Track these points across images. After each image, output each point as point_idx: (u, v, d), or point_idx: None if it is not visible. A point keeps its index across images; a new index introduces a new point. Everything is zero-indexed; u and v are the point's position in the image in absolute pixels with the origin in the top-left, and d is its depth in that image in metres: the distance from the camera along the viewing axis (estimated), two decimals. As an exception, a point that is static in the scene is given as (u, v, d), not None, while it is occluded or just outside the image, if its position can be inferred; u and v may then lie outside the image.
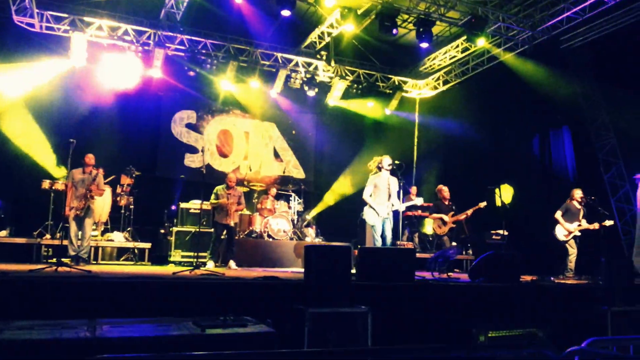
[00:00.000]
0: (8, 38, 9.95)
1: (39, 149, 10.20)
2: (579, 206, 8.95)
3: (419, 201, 8.62)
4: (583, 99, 10.80)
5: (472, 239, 10.72)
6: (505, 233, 10.10)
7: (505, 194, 11.76)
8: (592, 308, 6.10)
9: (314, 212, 12.76)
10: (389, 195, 7.96)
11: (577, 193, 9.02)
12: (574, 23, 9.74)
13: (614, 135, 10.57)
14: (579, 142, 10.87)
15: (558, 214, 9.00)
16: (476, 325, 5.32)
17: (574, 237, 8.84)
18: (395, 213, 8.16)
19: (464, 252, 11.15)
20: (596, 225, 8.66)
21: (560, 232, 8.91)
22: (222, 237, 9.07)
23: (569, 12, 9.59)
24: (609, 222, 8.70)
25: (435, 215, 9.23)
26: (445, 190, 9.35)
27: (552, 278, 8.08)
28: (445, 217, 9.10)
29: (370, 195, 7.99)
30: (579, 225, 8.80)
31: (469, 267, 10.72)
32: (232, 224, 8.96)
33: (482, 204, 8.95)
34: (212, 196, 8.94)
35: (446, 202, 9.26)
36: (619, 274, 6.49)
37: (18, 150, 10.06)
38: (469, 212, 9.04)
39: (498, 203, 8.97)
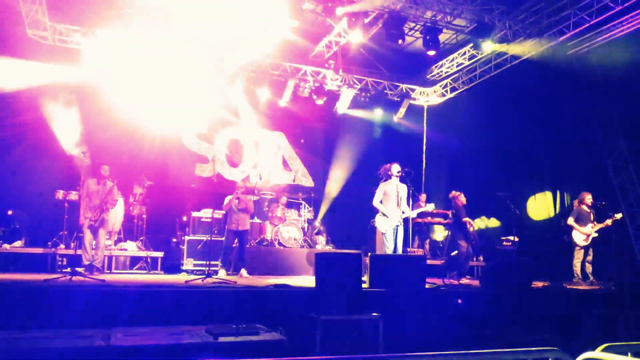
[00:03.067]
0: (22, 50, 10.12)
1: (52, 159, 10.33)
2: (588, 209, 8.99)
3: (430, 207, 8.64)
4: (591, 103, 10.76)
5: (483, 245, 10.73)
6: (516, 239, 10.07)
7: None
8: (604, 313, 6.07)
9: (324, 219, 12.79)
10: (398, 203, 7.97)
11: (588, 197, 9.03)
12: (581, 28, 9.72)
13: (623, 140, 10.51)
14: (587, 146, 10.80)
15: (571, 220, 8.99)
16: (488, 332, 5.32)
17: (593, 240, 8.86)
18: (406, 220, 8.18)
19: (474, 259, 11.12)
20: (609, 222, 8.71)
21: (579, 238, 8.91)
22: (234, 245, 9.13)
23: (576, 18, 9.59)
24: (618, 215, 8.83)
25: (467, 219, 9.23)
26: (462, 197, 9.37)
27: (563, 284, 8.05)
28: (472, 222, 9.24)
29: (380, 202, 8.01)
30: (593, 226, 8.84)
31: (480, 273, 10.71)
32: (241, 229, 8.99)
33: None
34: (225, 201, 9.06)
35: (462, 208, 9.31)
36: (631, 278, 6.47)
37: (32, 160, 10.19)
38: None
39: (512, 211, 8.99)
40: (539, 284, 7.55)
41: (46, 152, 10.36)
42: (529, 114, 11.59)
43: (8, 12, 9.63)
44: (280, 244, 10.25)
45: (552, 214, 11.15)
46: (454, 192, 9.44)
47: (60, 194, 9.31)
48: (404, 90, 13.43)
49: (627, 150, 10.49)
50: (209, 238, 9.27)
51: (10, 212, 9.68)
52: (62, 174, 10.22)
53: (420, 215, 10.35)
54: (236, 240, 9.07)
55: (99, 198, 8.10)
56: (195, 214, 10.25)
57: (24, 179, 10.01)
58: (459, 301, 5.81)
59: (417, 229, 11.40)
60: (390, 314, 5.00)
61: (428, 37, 9.91)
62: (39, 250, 8.97)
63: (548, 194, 11.38)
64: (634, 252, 10.00)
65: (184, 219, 10.83)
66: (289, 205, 11.40)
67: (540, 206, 11.45)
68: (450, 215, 9.45)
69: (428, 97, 13.84)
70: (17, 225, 9.49)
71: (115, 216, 9.57)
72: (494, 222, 11.63)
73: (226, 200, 9.05)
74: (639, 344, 2.60)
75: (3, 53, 9.82)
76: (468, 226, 9.09)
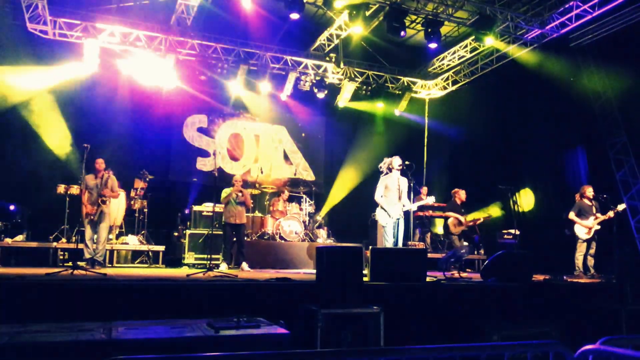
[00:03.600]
0: (22, 45, 10.09)
1: (54, 154, 10.34)
2: (589, 202, 8.98)
3: (431, 200, 8.64)
4: (593, 97, 10.73)
5: (484, 238, 10.75)
6: (517, 232, 10.08)
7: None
8: (605, 307, 6.07)
9: (325, 213, 12.81)
10: (399, 196, 7.96)
11: (589, 190, 9.02)
12: (583, 21, 9.69)
13: (625, 133, 10.49)
14: (590, 141, 10.79)
15: (572, 215, 8.98)
16: (489, 325, 5.32)
17: (595, 233, 8.86)
18: (406, 213, 8.17)
19: (475, 252, 11.14)
20: (611, 214, 8.70)
21: (581, 231, 8.91)
22: (233, 238, 9.13)
23: (578, 10, 9.55)
24: (620, 207, 8.80)
25: (451, 213, 9.37)
26: (461, 193, 9.55)
27: (564, 277, 8.05)
28: (462, 218, 9.28)
29: (382, 196, 8.01)
30: (595, 219, 8.83)
31: (481, 266, 10.72)
32: (239, 223, 8.98)
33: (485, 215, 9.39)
34: (223, 195, 9.05)
35: (460, 205, 9.52)
36: (633, 272, 6.47)
37: (33, 155, 10.20)
38: (481, 218, 9.45)
39: (513, 204, 9.08)
40: (540, 277, 7.55)
41: (47, 147, 10.35)
42: (530, 106, 11.57)
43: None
44: (281, 237, 10.26)
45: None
46: (456, 188, 9.60)
47: (61, 189, 9.32)
48: (406, 84, 13.39)
49: (629, 143, 10.48)
50: (210, 232, 9.28)
51: (12, 207, 9.70)
52: (64, 168, 10.23)
53: (421, 208, 10.37)
54: (234, 233, 9.06)
55: (97, 192, 8.11)
56: (196, 207, 10.27)
57: (26, 173, 10.02)
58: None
59: (418, 222, 11.42)
60: (391, 307, 5.00)
61: (429, 30, 9.87)
62: (40, 244, 8.99)
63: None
64: (636, 245, 10.01)
65: (186, 212, 10.85)
66: (290, 199, 11.40)
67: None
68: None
69: (430, 90, 13.81)
70: (18, 220, 9.50)
71: (117, 210, 9.58)
72: (495, 211, 11.64)
73: (224, 193, 9.04)
74: (639, 338, 2.60)
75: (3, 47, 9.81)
76: (459, 220, 9.28)
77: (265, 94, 12.44)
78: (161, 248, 9.82)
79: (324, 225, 11.80)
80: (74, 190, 9.24)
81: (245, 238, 9.38)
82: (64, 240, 9.09)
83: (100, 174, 8.22)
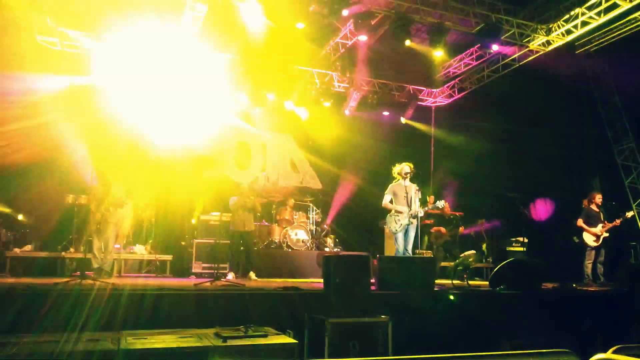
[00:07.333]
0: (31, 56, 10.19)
1: (62, 164, 10.38)
2: (597, 209, 8.92)
3: (441, 204, 8.58)
4: (600, 103, 10.69)
5: (492, 246, 10.73)
6: (526, 240, 10.02)
7: None
8: (616, 315, 6.02)
9: (332, 221, 12.78)
10: (407, 203, 7.92)
11: (597, 197, 8.97)
12: (589, 27, 9.67)
13: (633, 139, 10.43)
14: (597, 147, 10.72)
15: (580, 222, 8.92)
16: (499, 334, 5.28)
17: (604, 240, 8.79)
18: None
19: (483, 260, 11.07)
20: (617, 222, 8.66)
21: (589, 239, 8.85)
22: (240, 247, 9.11)
23: (584, 17, 9.55)
24: (629, 214, 8.77)
25: (435, 228, 10.07)
26: (446, 206, 10.05)
27: (574, 285, 7.98)
28: (443, 229, 9.93)
29: (391, 203, 7.98)
30: (603, 226, 8.77)
31: (489, 275, 10.64)
32: (247, 230, 8.98)
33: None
34: (231, 202, 9.06)
35: (445, 217, 10.13)
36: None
37: (42, 165, 10.25)
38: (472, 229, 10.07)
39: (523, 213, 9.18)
40: (549, 286, 7.49)
41: (56, 157, 10.40)
42: (538, 114, 11.52)
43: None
44: (288, 246, 10.25)
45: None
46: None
47: (70, 198, 9.36)
48: (411, 92, 13.40)
49: (637, 149, 10.42)
50: (218, 241, 9.28)
51: (20, 217, 9.74)
52: (72, 178, 10.27)
53: (429, 217, 10.38)
54: (241, 242, 9.04)
55: (105, 202, 8.14)
56: (203, 217, 10.26)
57: (34, 183, 10.07)
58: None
59: (426, 231, 11.37)
60: (399, 316, 4.98)
61: (435, 38, 9.89)
62: (48, 254, 9.03)
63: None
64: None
65: (193, 222, 10.84)
66: (297, 207, 11.40)
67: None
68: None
69: (436, 98, 13.81)
70: (27, 230, 9.55)
71: (124, 220, 9.60)
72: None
73: (232, 201, 9.05)
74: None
75: (13, 60, 9.90)
76: (440, 232, 10.04)
77: (272, 103, 12.48)
78: (168, 257, 9.83)
79: (331, 233, 11.78)
80: (83, 200, 9.28)
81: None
82: (72, 250, 9.12)
83: (109, 184, 8.24)
